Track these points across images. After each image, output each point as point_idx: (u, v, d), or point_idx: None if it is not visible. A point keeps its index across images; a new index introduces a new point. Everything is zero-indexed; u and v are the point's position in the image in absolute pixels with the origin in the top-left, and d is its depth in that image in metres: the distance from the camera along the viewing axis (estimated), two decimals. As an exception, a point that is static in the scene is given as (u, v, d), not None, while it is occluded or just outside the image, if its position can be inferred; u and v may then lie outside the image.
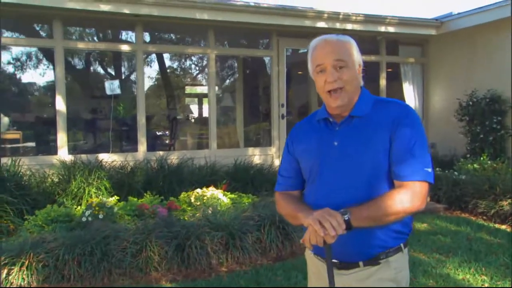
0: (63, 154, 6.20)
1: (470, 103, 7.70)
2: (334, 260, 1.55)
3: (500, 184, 5.52)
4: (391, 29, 7.81)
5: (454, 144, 8.03)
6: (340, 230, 1.39)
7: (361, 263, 1.60)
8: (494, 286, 3.55)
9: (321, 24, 7.30)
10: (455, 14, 8.02)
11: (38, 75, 11.30)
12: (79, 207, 5.12)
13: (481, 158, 6.85)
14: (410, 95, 8.86)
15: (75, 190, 5.37)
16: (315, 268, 1.75)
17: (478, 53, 7.85)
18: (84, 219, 4.43)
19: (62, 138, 6.25)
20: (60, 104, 6.23)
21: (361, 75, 1.67)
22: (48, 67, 10.35)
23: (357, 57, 1.64)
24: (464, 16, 7.78)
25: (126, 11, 6.16)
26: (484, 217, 5.51)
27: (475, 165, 6.57)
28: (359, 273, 1.60)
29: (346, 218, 1.44)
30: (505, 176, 6.03)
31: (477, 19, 7.53)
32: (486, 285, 3.55)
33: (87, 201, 5.07)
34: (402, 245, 1.62)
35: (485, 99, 7.50)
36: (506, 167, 6.53)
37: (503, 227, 5.17)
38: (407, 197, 1.49)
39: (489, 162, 6.67)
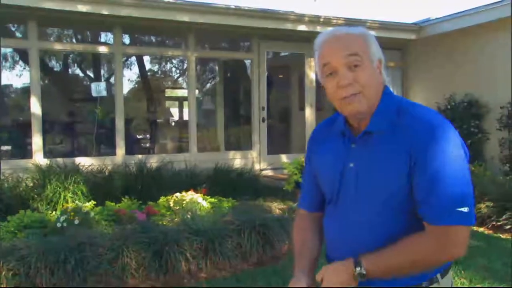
0: (39, 158, 6.04)
1: (449, 107, 7.80)
2: None
3: (478, 187, 5.57)
4: (371, 32, 7.84)
5: (433, 148, 8.10)
6: None
7: None
8: (497, 286, 3.56)
9: (302, 27, 7.30)
10: (433, 19, 8.12)
11: (14, 77, 11.08)
12: (54, 212, 4.98)
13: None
14: (390, 99, 8.93)
15: (50, 195, 5.22)
16: None
17: (457, 58, 7.96)
18: (59, 225, 4.28)
19: (37, 141, 6.10)
20: (36, 106, 6.08)
21: (384, 73, 1.33)
22: (24, 68, 10.15)
23: (376, 51, 1.30)
24: (442, 21, 7.89)
25: (105, 12, 6.05)
26: (463, 220, 5.55)
27: (453, 169, 6.62)
28: None
29: (359, 272, 1.22)
30: (482, 179, 6.10)
31: (455, 24, 7.64)
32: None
33: (62, 206, 4.93)
34: (438, 275, 1.31)
35: (463, 103, 7.61)
36: (483, 171, 6.62)
37: (481, 229, 5.21)
38: (431, 246, 1.21)
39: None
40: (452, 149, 1.21)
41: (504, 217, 5.03)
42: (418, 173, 1.21)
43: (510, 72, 6.83)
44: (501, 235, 4.94)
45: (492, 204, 5.23)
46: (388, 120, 1.28)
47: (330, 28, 1.36)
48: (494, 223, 5.12)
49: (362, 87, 1.25)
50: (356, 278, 1.23)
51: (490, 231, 5.11)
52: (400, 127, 1.26)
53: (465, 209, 1.19)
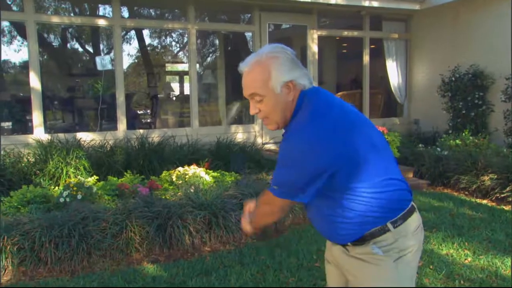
0: (39, 133, 6.00)
1: (453, 79, 7.69)
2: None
3: (481, 160, 5.55)
4: (374, 3, 7.69)
5: (436, 120, 8.05)
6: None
7: (349, 244, 1.66)
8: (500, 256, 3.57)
9: (304, -2, 7.14)
10: (439, -12, 7.93)
11: (13, 52, 10.92)
12: (56, 187, 4.98)
13: (463, 134, 6.88)
14: (393, 72, 8.82)
15: (53, 170, 5.21)
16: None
17: (461, 29, 7.81)
18: (61, 199, 4.29)
19: (37, 116, 6.05)
20: (35, 81, 6.00)
21: (293, 92, 1.57)
22: (22, 43, 10.00)
23: (279, 78, 1.54)
24: (447, -10, 7.71)
25: (102, -17, 5.91)
26: (466, 192, 5.55)
27: (457, 141, 6.59)
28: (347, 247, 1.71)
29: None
30: (486, 151, 6.07)
31: (460, -6, 7.46)
32: (469, 259, 3.57)
33: (65, 181, 4.92)
34: (388, 224, 1.59)
35: (467, 75, 7.50)
36: (487, 143, 6.58)
37: (485, 201, 5.21)
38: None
39: (470, 137, 6.71)
40: (292, 146, 1.53)
41: (508, 189, 5.02)
42: None
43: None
44: (504, 207, 4.94)
45: (495, 176, 5.21)
46: (294, 125, 1.57)
47: (247, 59, 1.60)
48: (498, 195, 5.12)
49: (266, 114, 1.59)
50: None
51: (494, 203, 5.11)
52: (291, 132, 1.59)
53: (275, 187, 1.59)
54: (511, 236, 4.04)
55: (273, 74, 1.53)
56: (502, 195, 5.06)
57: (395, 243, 1.60)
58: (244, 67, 1.59)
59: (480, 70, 7.44)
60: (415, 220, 1.66)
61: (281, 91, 1.54)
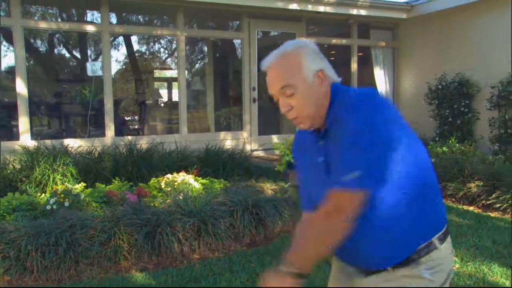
0: (26, 139, 5.93)
1: (440, 87, 7.80)
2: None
3: (468, 167, 5.61)
4: (362, 12, 7.78)
5: (423, 128, 8.13)
6: None
7: (389, 268, 1.43)
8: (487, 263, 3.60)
9: (293, 6, 7.20)
10: (425, -2, 8.06)
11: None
12: (43, 194, 4.90)
13: (450, 141, 6.97)
14: (381, 79, 8.91)
15: (39, 177, 5.14)
16: (334, 266, 1.68)
17: (448, 37, 7.92)
18: (48, 207, 4.23)
19: (24, 122, 5.98)
20: (21, 87, 5.94)
21: (329, 75, 1.43)
22: (8, 48, 9.87)
23: (313, 64, 1.40)
24: (433, 0, 7.83)
25: (91, -11, 5.89)
26: (453, 199, 5.60)
27: (444, 148, 6.67)
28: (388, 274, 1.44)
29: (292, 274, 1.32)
30: (472, 158, 6.15)
31: (446, 3, 7.59)
32: (457, 266, 3.60)
33: (52, 188, 4.85)
34: (435, 240, 1.41)
35: (454, 83, 7.61)
36: (473, 150, 6.67)
37: (471, 208, 5.26)
38: (318, 219, 1.38)
39: (457, 145, 6.79)
40: (360, 125, 1.29)
41: (493, 195, 5.08)
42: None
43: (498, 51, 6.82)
44: (490, 214, 4.99)
45: (481, 183, 5.27)
46: (334, 117, 1.40)
47: (268, 56, 1.45)
48: (484, 202, 5.18)
49: (299, 111, 1.40)
50: (294, 280, 1.32)
51: (480, 210, 5.16)
52: (337, 121, 1.37)
53: (352, 175, 1.27)
54: (497, 242, 4.08)
55: (303, 63, 1.39)
56: (488, 202, 5.12)
57: (441, 264, 1.43)
58: (268, 62, 1.43)
59: (466, 79, 7.55)
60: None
61: (313, 81, 1.39)
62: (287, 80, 1.38)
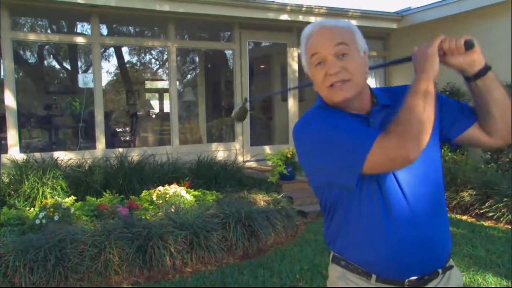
0: (14, 152, 5.84)
1: (430, 96, 7.83)
2: (411, 278, 1.29)
3: (460, 176, 5.62)
4: (353, 22, 7.74)
5: (415, 137, 8.15)
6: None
7: (440, 271, 1.34)
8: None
9: (284, 17, 7.22)
10: (414, 8, 8.13)
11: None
12: (32, 209, 4.83)
13: (442, 150, 6.98)
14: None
15: (28, 190, 5.06)
16: None
17: (438, 47, 7.98)
18: (37, 221, 4.15)
19: (12, 135, 5.90)
20: (10, 99, 5.87)
21: (366, 66, 1.35)
22: (-4, 60, 9.79)
23: (362, 44, 1.33)
24: (423, 10, 7.91)
25: (81, 1, 5.86)
26: (447, 208, 5.60)
27: (436, 157, 6.67)
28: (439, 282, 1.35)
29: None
30: (465, 167, 6.15)
31: (436, 13, 7.66)
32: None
33: (41, 202, 4.78)
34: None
35: (445, 92, 7.64)
36: (465, 159, 6.68)
37: (464, 217, 5.26)
38: None
39: (449, 154, 6.80)
40: None
41: (486, 204, 5.08)
42: (443, 104, 1.42)
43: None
44: (483, 223, 4.99)
45: (474, 192, 5.28)
46: (388, 96, 1.38)
47: (317, 20, 1.42)
48: (477, 211, 5.18)
49: (351, 75, 1.27)
50: None
51: (473, 219, 5.17)
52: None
53: None
54: (491, 252, 4.07)
55: (356, 37, 1.32)
56: (481, 211, 5.13)
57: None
58: (320, 23, 1.33)
59: (457, 88, 7.60)
60: None
61: (362, 57, 1.32)
62: (343, 39, 1.28)
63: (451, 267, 1.37)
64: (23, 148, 6.40)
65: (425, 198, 1.30)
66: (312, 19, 7.40)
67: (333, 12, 7.57)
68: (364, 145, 1.19)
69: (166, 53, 8.01)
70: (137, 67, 12.84)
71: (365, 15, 7.92)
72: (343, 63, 1.26)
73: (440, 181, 1.37)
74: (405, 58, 1.44)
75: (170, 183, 5.42)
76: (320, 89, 1.33)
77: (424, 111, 1.20)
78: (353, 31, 1.32)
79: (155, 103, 12.61)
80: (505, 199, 4.93)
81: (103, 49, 9.50)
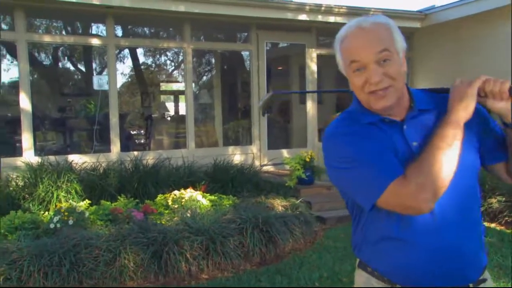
0: (29, 155, 5.79)
1: (454, 97, 7.61)
2: None
3: (488, 181, 5.39)
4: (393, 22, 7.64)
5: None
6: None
7: (471, 286, 1.29)
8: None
9: (302, 17, 7.08)
10: (438, 6, 7.93)
11: (2, 71, 10.72)
12: (46, 212, 4.77)
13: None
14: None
15: (43, 194, 5.01)
16: None
17: (463, 46, 7.76)
18: (52, 225, 4.10)
19: (27, 138, 5.85)
20: (25, 102, 5.83)
21: (405, 65, 1.30)
22: (12, 62, 9.84)
23: (401, 41, 1.27)
24: (447, 8, 7.70)
25: (96, 2, 5.81)
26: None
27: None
28: None
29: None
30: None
31: (461, 12, 7.44)
32: None
33: (55, 206, 4.72)
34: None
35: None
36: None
37: (493, 225, 5.05)
38: None
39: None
40: None
41: (516, 211, 4.86)
42: (490, 128, 1.37)
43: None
44: (514, 231, 4.78)
45: (503, 198, 5.06)
46: (428, 99, 1.34)
47: (354, 20, 1.29)
48: (507, 218, 4.96)
49: (392, 81, 1.24)
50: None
51: (502, 227, 4.95)
52: (443, 104, 1.28)
53: None
54: (523, 261, 3.87)
55: (396, 37, 1.26)
56: (511, 219, 4.90)
57: None
58: (360, 24, 1.25)
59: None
60: None
61: (401, 58, 1.27)
62: (386, 44, 1.23)
63: (484, 280, 1.32)
64: (38, 151, 6.36)
65: (452, 205, 1.24)
66: (331, 19, 7.25)
67: (353, 12, 7.39)
68: (380, 184, 1.19)
69: (181, 54, 7.94)
70: (152, 69, 12.82)
71: (387, 14, 7.68)
72: (384, 69, 1.23)
73: (473, 188, 1.31)
74: (444, 89, 1.37)
75: (185, 187, 5.33)
76: (357, 92, 1.30)
77: (447, 165, 1.17)
78: (392, 29, 1.27)
79: (170, 106, 12.56)
80: (536, 206, 4.71)
81: (118, 51, 9.47)
